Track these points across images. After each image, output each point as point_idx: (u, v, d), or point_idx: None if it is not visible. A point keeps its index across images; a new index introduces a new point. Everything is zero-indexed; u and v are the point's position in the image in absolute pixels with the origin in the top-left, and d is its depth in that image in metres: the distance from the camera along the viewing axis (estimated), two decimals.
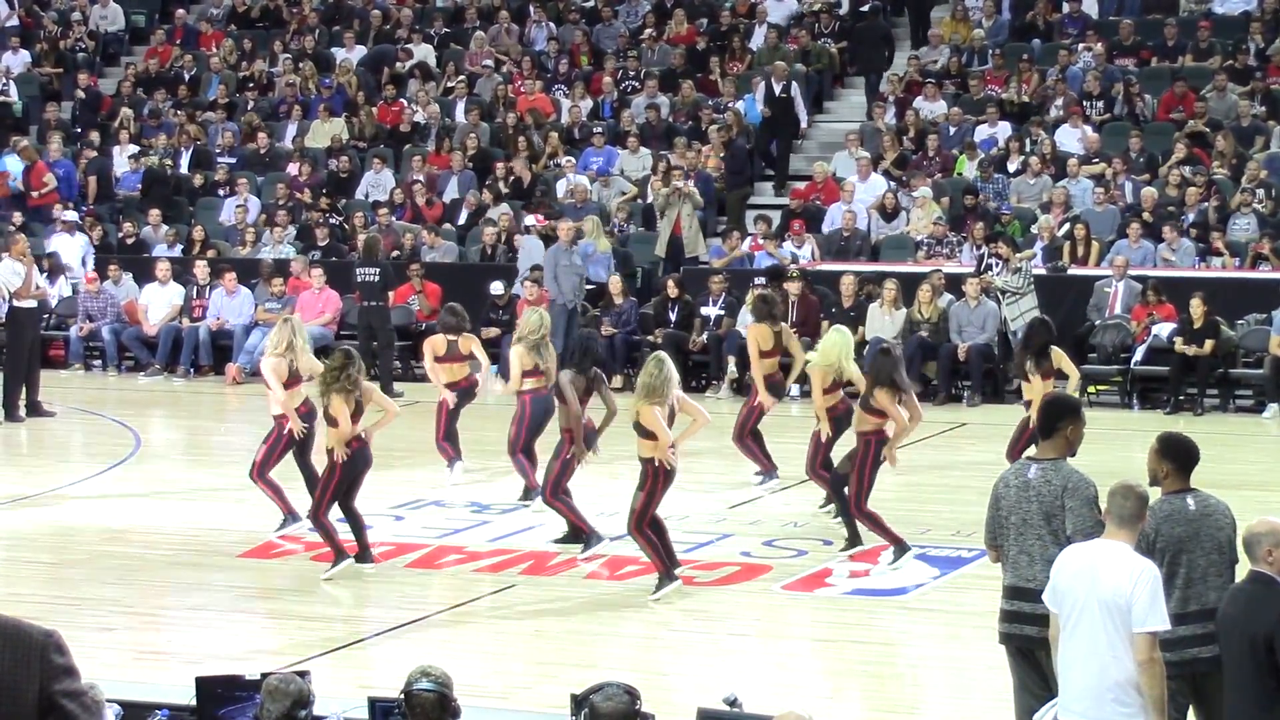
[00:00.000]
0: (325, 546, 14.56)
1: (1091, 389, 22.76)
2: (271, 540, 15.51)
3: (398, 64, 31.50)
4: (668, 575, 13.78)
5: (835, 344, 15.77)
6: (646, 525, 13.70)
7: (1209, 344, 21.98)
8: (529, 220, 26.40)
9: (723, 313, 24.05)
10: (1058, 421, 9.19)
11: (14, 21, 34.36)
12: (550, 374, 16.13)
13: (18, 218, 27.93)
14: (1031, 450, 10.16)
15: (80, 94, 32.48)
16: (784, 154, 28.99)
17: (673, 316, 24.14)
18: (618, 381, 22.99)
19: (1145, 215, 24.78)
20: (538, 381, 16.31)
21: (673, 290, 24.33)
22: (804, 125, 29.33)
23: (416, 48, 31.77)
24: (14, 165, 29.80)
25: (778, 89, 28.63)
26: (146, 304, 26.31)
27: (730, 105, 28.90)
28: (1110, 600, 8.00)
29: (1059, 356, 16.27)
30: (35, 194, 29.32)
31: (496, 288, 24.61)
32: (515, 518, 16.39)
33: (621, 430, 14.59)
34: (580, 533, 15.13)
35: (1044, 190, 26.02)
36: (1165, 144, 26.67)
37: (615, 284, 24.61)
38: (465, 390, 17.97)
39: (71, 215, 27.95)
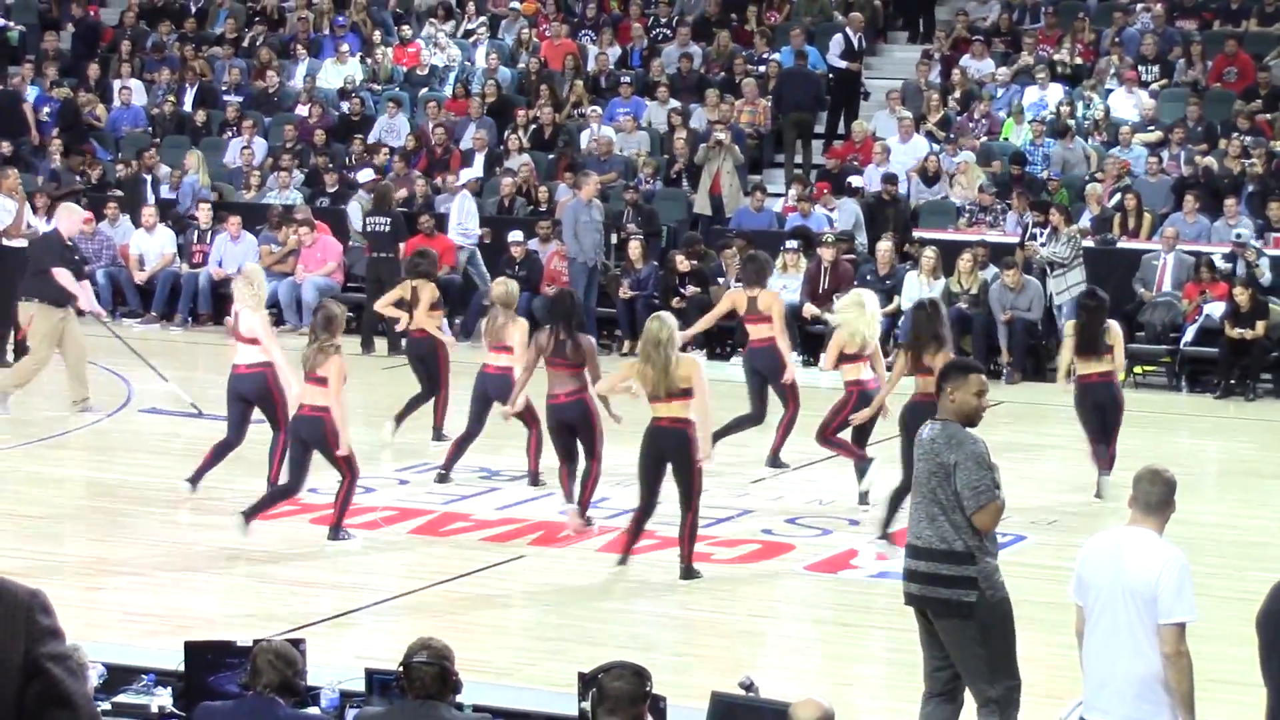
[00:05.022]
0: (328, 508, 14.61)
1: (1138, 370, 22.68)
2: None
3: None
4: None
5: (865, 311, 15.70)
6: None
7: (1260, 325, 21.87)
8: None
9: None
10: (942, 384, 9.50)
11: None
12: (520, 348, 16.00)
13: (5, 146, 27.90)
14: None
15: (72, 26, 32.45)
16: (854, 111, 28.53)
17: (685, 291, 23.88)
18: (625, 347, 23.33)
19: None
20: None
21: (683, 264, 24.12)
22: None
23: None
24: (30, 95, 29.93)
25: (855, 40, 28.48)
26: (139, 253, 26.25)
27: (767, 56, 28.82)
28: (1136, 590, 8.00)
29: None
30: None
31: (515, 236, 24.56)
32: (524, 486, 16.39)
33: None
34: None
35: (1085, 156, 25.99)
36: (1225, 113, 26.50)
37: (635, 247, 24.43)
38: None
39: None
